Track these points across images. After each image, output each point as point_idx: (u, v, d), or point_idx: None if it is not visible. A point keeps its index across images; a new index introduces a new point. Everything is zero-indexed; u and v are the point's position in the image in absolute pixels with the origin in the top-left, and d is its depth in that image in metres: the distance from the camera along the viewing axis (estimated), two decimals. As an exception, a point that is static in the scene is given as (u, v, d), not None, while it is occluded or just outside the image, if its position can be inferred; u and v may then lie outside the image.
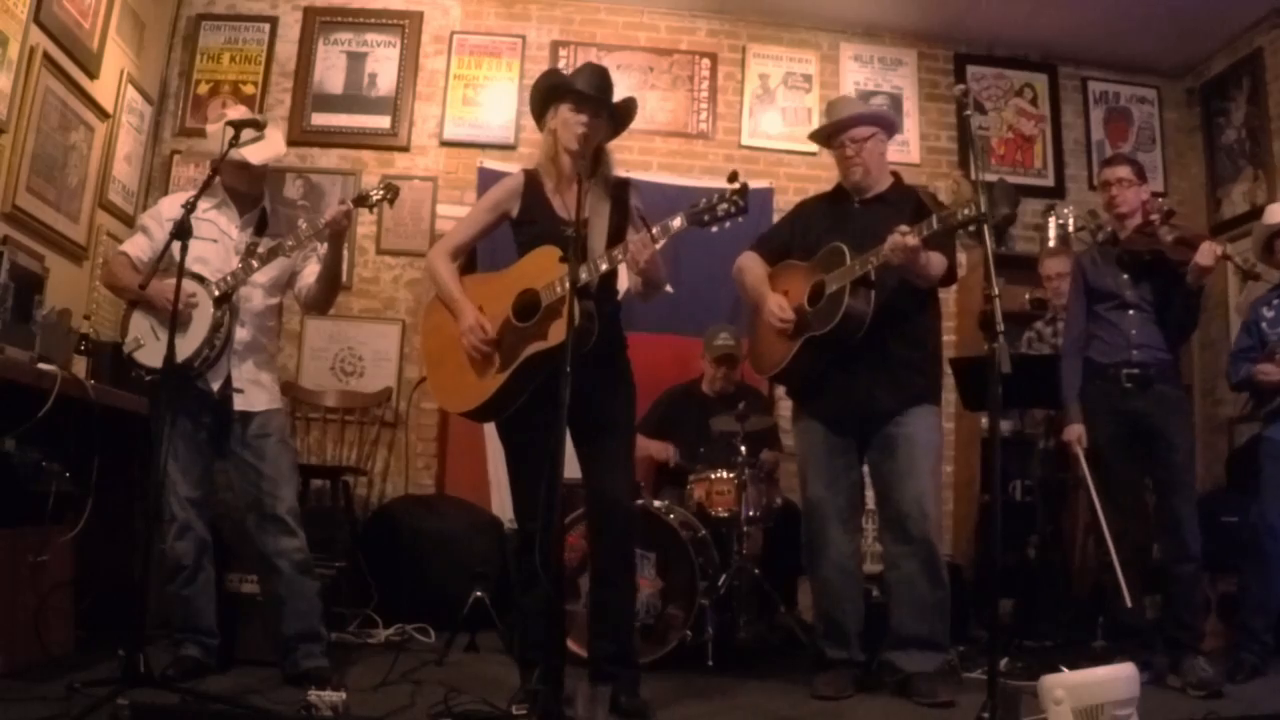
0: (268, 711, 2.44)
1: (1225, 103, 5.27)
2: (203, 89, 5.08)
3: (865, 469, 3.27)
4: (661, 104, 5.31)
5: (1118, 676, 2.18)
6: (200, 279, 2.84)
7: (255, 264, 2.87)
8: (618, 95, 2.83)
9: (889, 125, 3.32)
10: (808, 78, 5.42)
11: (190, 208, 2.62)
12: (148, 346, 2.87)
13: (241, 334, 2.92)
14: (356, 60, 5.19)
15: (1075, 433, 3.43)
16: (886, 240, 2.84)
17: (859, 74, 5.45)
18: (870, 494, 3.37)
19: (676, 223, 2.56)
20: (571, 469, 2.63)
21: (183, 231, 2.58)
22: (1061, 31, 5.31)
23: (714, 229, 2.56)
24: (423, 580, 4.09)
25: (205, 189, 2.77)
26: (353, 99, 5.15)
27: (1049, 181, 5.48)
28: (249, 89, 5.08)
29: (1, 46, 3.54)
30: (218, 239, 2.95)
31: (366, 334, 4.96)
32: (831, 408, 3.13)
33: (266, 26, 5.16)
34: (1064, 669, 2.25)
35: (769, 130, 5.36)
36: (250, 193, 3.02)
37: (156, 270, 2.80)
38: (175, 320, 2.60)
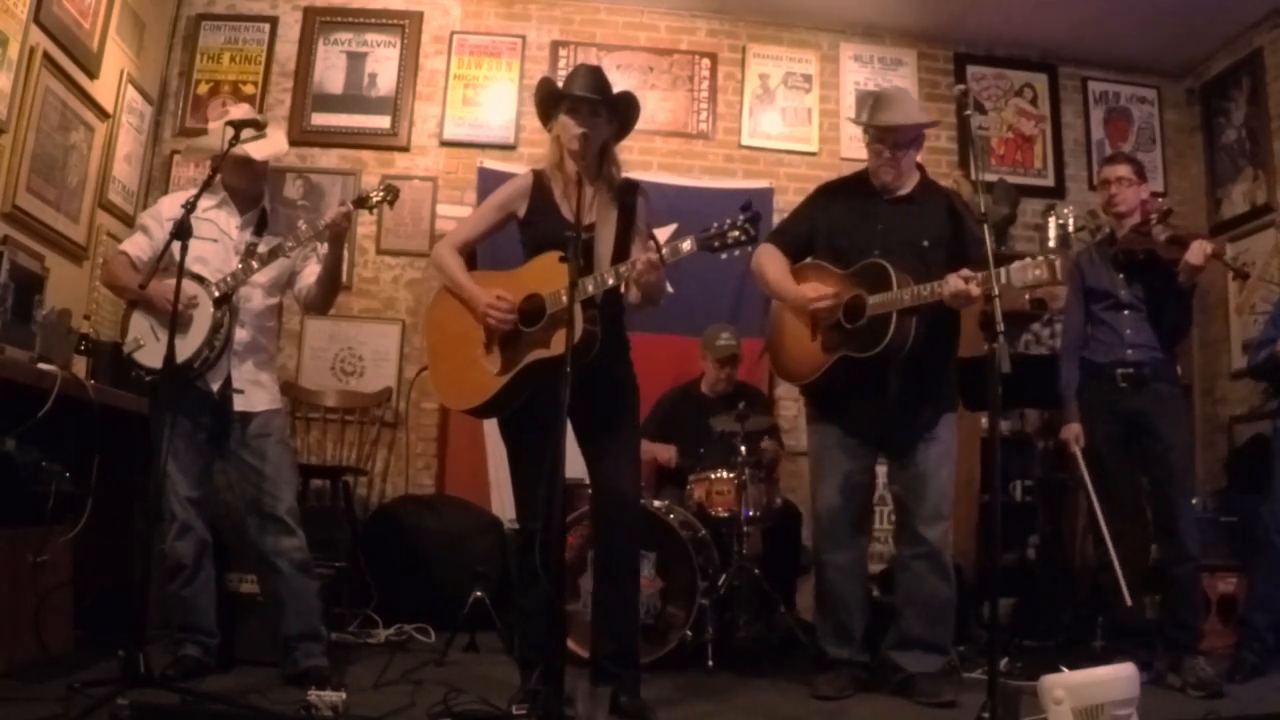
0: (268, 711, 2.44)
1: (1225, 103, 5.27)
2: (203, 89, 5.08)
3: (879, 471, 3.26)
4: (661, 104, 5.31)
5: (1118, 676, 2.18)
6: (200, 279, 2.84)
7: (255, 264, 2.87)
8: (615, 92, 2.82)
9: (928, 127, 3.21)
10: (808, 78, 5.42)
11: (190, 207, 2.62)
12: (148, 347, 2.87)
13: (241, 334, 2.92)
14: (356, 60, 5.19)
15: (1073, 432, 3.43)
16: (947, 280, 2.76)
17: (859, 74, 5.45)
18: (877, 495, 3.36)
19: (686, 246, 2.54)
20: (573, 469, 2.62)
21: (183, 231, 2.58)
22: (1061, 31, 5.31)
23: (723, 256, 2.56)
24: (423, 580, 4.09)
25: (206, 187, 2.77)
26: (353, 99, 5.15)
27: (1049, 181, 5.48)
28: (249, 89, 5.07)
29: (1, 46, 3.54)
30: (218, 239, 2.95)
31: (366, 334, 4.96)
32: (854, 414, 3.09)
33: (266, 26, 5.16)
34: (1064, 669, 2.25)
35: (769, 130, 5.36)
36: (251, 191, 3.02)
37: (156, 270, 2.80)
38: (175, 320, 2.60)
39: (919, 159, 3.23)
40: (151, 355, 2.82)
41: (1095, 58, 5.54)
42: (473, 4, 5.32)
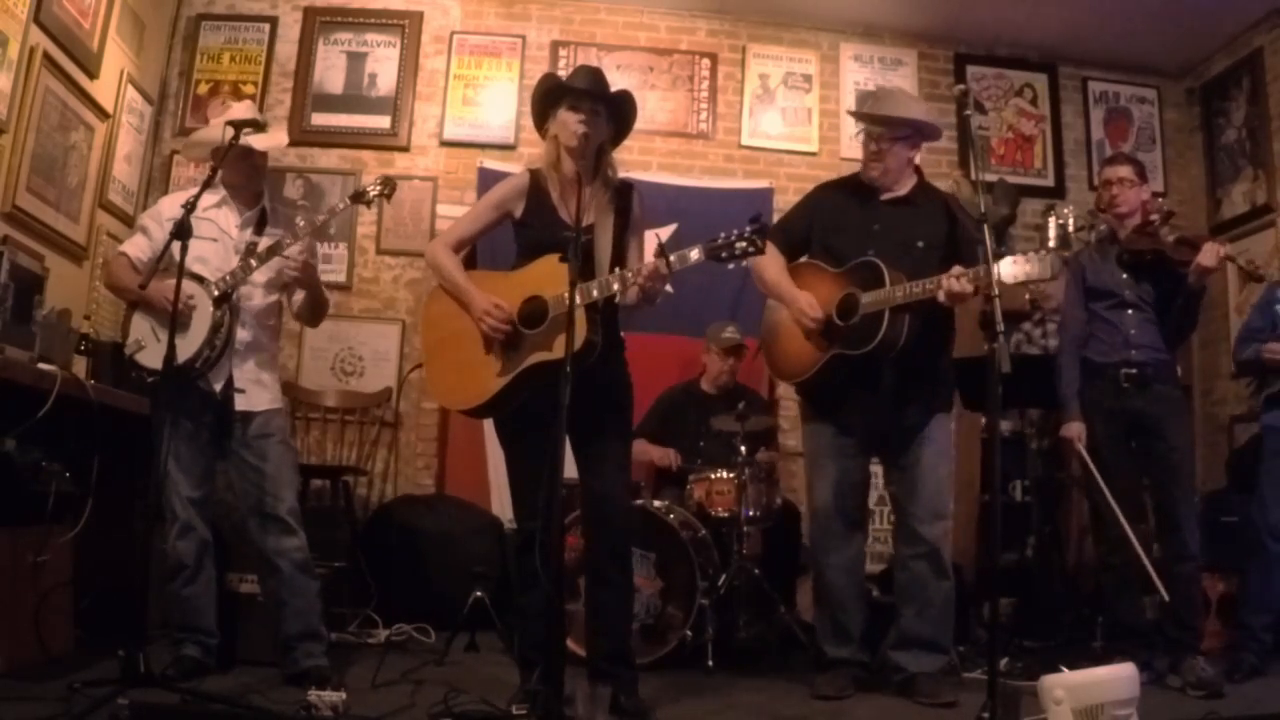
0: (268, 711, 2.44)
1: (1225, 103, 5.27)
2: (203, 89, 5.08)
3: (874, 470, 3.26)
4: (661, 104, 5.31)
5: (1118, 676, 2.18)
6: (200, 279, 2.84)
7: (254, 263, 2.87)
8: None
9: (928, 132, 3.21)
10: (808, 78, 5.42)
11: (190, 207, 2.62)
12: (149, 348, 2.87)
13: (242, 334, 2.92)
14: (356, 60, 5.19)
15: (1076, 430, 3.42)
16: (940, 281, 2.77)
17: (859, 74, 5.45)
18: (873, 495, 3.36)
19: (694, 255, 2.54)
20: (571, 469, 2.64)
21: (182, 231, 2.58)
22: (1061, 31, 5.31)
23: (730, 266, 2.57)
24: (423, 580, 4.09)
25: (207, 186, 2.78)
26: (353, 99, 5.15)
27: (1049, 181, 5.48)
28: (249, 89, 5.07)
29: (1, 46, 3.54)
30: (218, 238, 2.95)
31: (366, 334, 4.96)
32: (849, 413, 3.09)
33: (266, 26, 5.16)
34: (1064, 669, 2.25)
35: (769, 130, 5.36)
36: (251, 187, 3.02)
37: (156, 270, 2.80)
38: (175, 321, 2.60)
39: (918, 161, 3.23)
40: (153, 356, 2.82)
41: (1095, 58, 5.54)
42: (473, 4, 5.32)
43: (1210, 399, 5.19)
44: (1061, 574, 4.25)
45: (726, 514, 3.80)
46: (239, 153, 2.87)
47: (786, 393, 5.06)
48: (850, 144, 5.28)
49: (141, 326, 2.92)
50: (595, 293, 2.56)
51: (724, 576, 3.68)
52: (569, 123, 2.70)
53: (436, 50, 5.25)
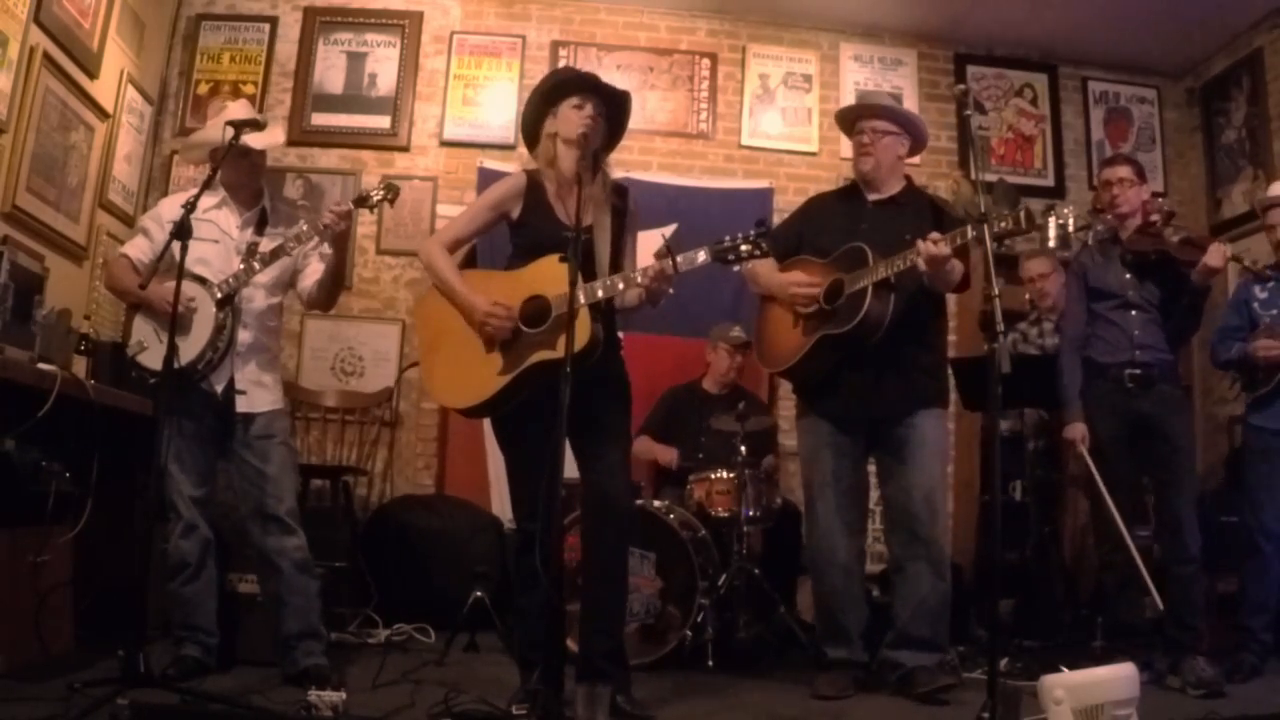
0: (268, 711, 2.44)
1: (1225, 103, 5.27)
2: (203, 89, 5.08)
3: (871, 469, 3.27)
4: (661, 104, 5.31)
5: (1118, 676, 2.18)
6: (202, 280, 2.84)
7: (258, 265, 2.87)
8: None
9: (916, 133, 3.25)
10: (808, 78, 5.42)
11: (190, 207, 2.62)
12: (151, 349, 2.87)
13: (244, 336, 2.92)
14: (356, 60, 5.19)
15: (1078, 431, 3.42)
16: (918, 246, 2.81)
17: (859, 74, 5.45)
18: (874, 495, 3.37)
19: (700, 257, 2.57)
20: (571, 468, 2.64)
21: (182, 231, 2.58)
22: (1061, 31, 5.31)
23: (735, 268, 2.62)
24: (423, 580, 4.09)
25: (207, 187, 2.77)
26: (353, 99, 5.15)
27: (1049, 181, 5.48)
28: (249, 89, 5.07)
29: (1, 46, 3.54)
30: (218, 239, 2.95)
31: (366, 334, 4.96)
32: (840, 407, 3.11)
33: (266, 26, 5.16)
34: (1064, 669, 2.25)
35: (769, 130, 5.36)
36: (251, 186, 3.01)
37: (156, 271, 2.79)
38: (175, 324, 2.59)
39: (908, 166, 3.29)
40: (155, 358, 2.82)
41: (1095, 58, 5.54)
42: (473, 4, 5.32)
43: (1210, 399, 5.19)
44: (1061, 574, 4.25)
45: (726, 514, 3.80)
46: (238, 152, 2.87)
47: (786, 394, 5.06)
48: (850, 144, 5.28)
49: (144, 328, 2.92)
50: (600, 292, 2.57)
51: (724, 576, 3.68)
52: (573, 119, 2.71)
53: (436, 50, 5.25)
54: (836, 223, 3.19)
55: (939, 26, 5.41)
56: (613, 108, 2.81)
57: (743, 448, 3.81)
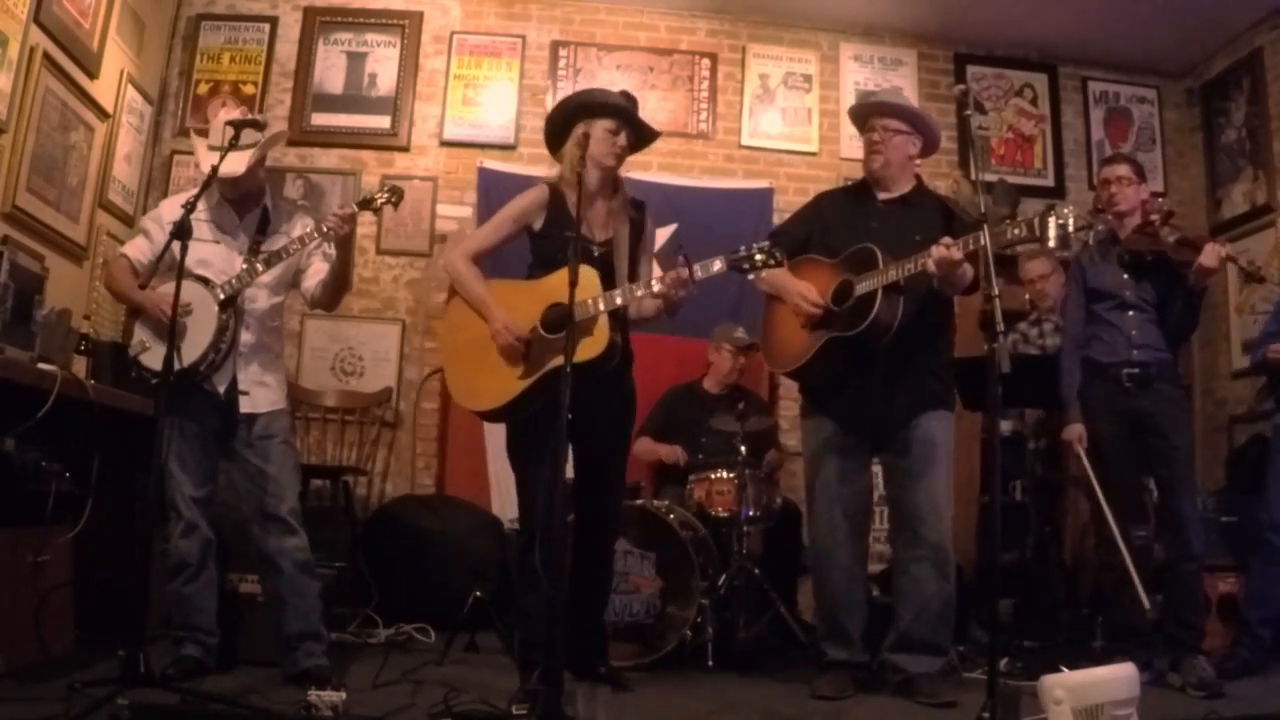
0: (268, 711, 2.44)
1: (1225, 103, 5.27)
2: (203, 89, 5.08)
3: (875, 470, 3.26)
4: (661, 104, 5.31)
5: (1118, 676, 2.18)
6: (205, 281, 2.84)
7: (261, 266, 2.87)
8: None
9: (928, 133, 3.22)
10: (808, 78, 5.42)
11: (191, 208, 2.61)
12: (153, 350, 2.87)
13: (246, 336, 2.92)
14: (356, 60, 5.19)
15: (1076, 432, 3.42)
16: (930, 250, 2.79)
17: (859, 74, 5.45)
18: (877, 495, 3.36)
19: (716, 266, 2.68)
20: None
21: (182, 232, 2.58)
22: (1061, 31, 5.31)
23: (750, 276, 2.72)
24: (423, 580, 4.08)
25: (205, 189, 2.77)
26: (353, 99, 5.15)
27: (1049, 181, 5.48)
28: (249, 89, 5.08)
29: (1, 46, 3.54)
30: (219, 240, 2.95)
31: (366, 334, 4.96)
32: (847, 409, 3.09)
33: (266, 26, 5.16)
34: (1064, 669, 2.25)
35: (769, 130, 5.36)
36: (244, 195, 3.01)
37: (156, 271, 2.79)
38: (174, 327, 2.58)
39: (918, 166, 3.26)
40: (157, 358, 2.80)
41: (1095, 58, 5.54)
42: (473, 4, 5.32)
43: (1210, 399, 5.19)
44: (1061, 574, 4.25)
45: (726, 514, 3.80)
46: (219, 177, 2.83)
47: (786, 394, 5.06)
48: (850, 144, 5.29)
49: (145, 329, 2.92)
50: (619, 299, 2.67)
51: (724, 576, 3.68)
52: (606, 141, 2.81)
53: (436, 50, 5.25)
54: (846, 221, 3.17)
55: (939, 26, 5.41)
56: (642, 134, 2.95)
57: (743, 448, 3.81)
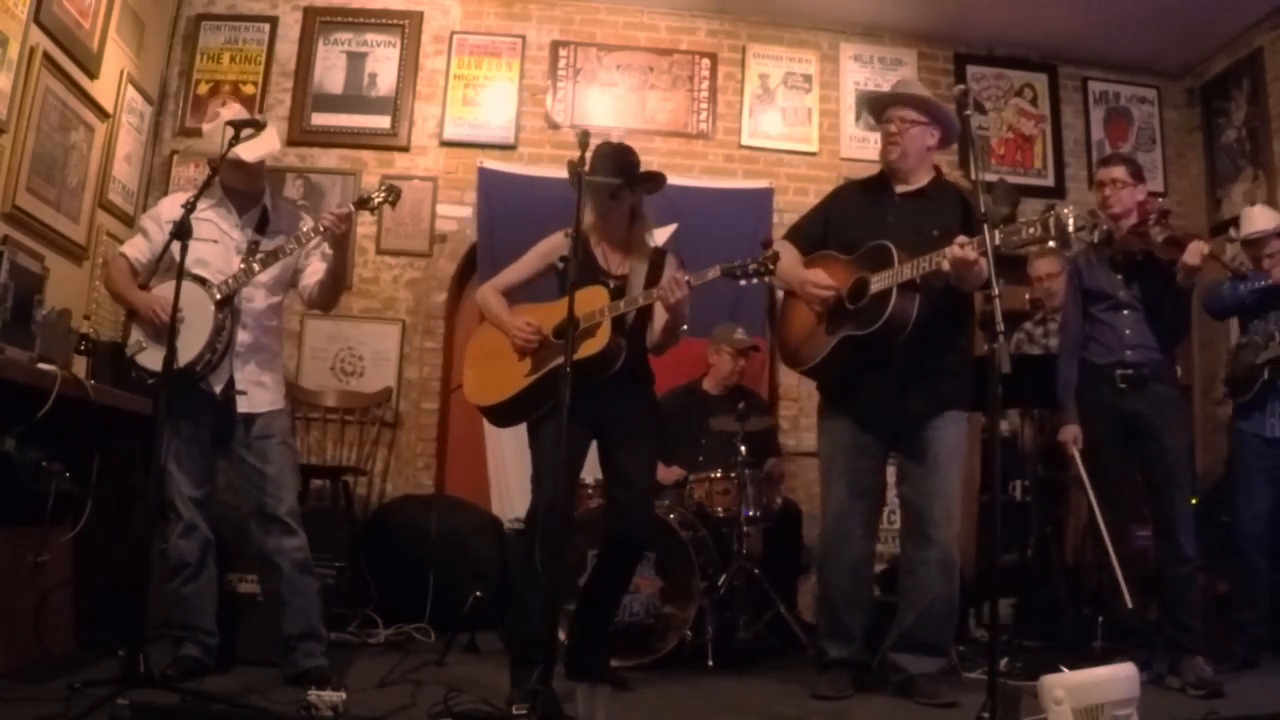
0: (268, 711, 2.44)
1: (1225, 103, 5.27)
2: (203, 89, 5.08)
3: (890, 471, 3.26)
4: (661, 104, 5.31)
5: (1118, 676, 2.18)
6: (202, 281, 2.83)
7: (258, 266, 2.87)
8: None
9: (946, 123, 3.20)
10: (808, 78, 5.42)
11: (190, 208, 2.61)
12: (150, 350, 2.87)
13: (243, 336, 2.91)
14: (356, 60, 5.19)
15: (1071, 433, 3.43)
16: (945, 250, 2.76)
17: (859, 74, 5.45)
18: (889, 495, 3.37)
19: (711, 273, 2.82)
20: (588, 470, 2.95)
21: (182, 231, 2.58)
22: (1061, 31, 5.31)
23: (744, 284, 2.85)
24: (423, 580, 4.08)
25: (205, 189, 2.77)
26: (353, 99, 5.15)
27: (1049, 181, 5.48)
28: (249, 89, 5.08)
29: (1, 46, 3.54)
30: (218, 239, 2.94)
31: (366, 334, 4.96)
32: (864, 408, 3.08)
33: (266, 26, 5.16)
34: (1064, 669, 2.25)
35: (769, 130, 5.36)
36: (249, 190, 3.01)
37: (156, 271, 2.79)
38: (174, 328, 2.58)
39: (935, 157, 3.24)
40: (154, 358, 2.81)
41: (1095, 58, 5.54)
42: (473, 4, 5.32)
43: (1210, 399, 5.19)
44: (1062, 574, 4.25)
45: (726, 514, 3.80)
46: (232, 160, 2.85)
47: (786, 394, 5.07)
48: (850, 144, 5.31)
49: (141, 329, 2.92)
50: (623, 305, 2.89)
51: (724, 576, 3.68)
52: (588, 211, 2.96)
53: (436, 50, 5.25)
54: (862, 215, 3.14)
55: (939, 26, 5.41)
56: (641, 182, 3.09)
57: (743, 448, 3.81)
